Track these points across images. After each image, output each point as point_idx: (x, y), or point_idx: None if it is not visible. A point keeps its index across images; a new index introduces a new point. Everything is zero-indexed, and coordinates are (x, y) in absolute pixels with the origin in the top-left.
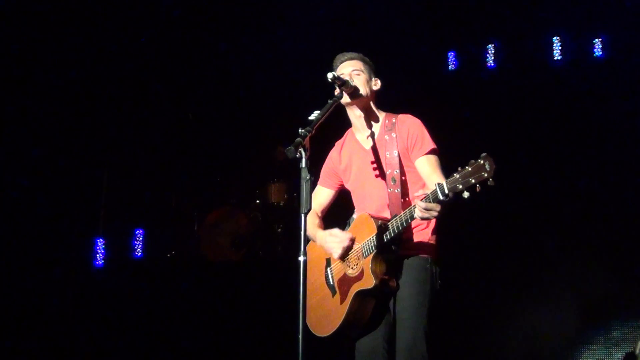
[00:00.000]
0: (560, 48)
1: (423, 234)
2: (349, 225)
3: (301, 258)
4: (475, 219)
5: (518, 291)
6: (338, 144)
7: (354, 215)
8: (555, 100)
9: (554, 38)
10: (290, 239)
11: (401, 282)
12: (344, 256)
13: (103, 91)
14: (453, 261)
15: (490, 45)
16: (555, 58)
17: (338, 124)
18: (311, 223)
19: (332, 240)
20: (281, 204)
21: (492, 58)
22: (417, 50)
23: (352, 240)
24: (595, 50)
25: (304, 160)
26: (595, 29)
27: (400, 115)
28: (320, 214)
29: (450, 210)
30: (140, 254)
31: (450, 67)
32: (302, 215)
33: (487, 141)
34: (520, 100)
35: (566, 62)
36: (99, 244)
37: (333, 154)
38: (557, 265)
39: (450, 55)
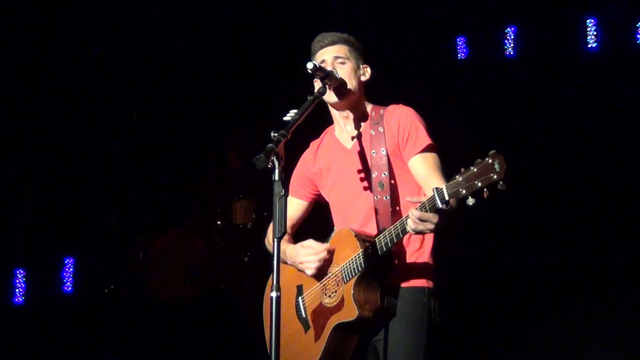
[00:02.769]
0: (595, 33)
1: (417, 256)
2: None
3: (273, 294)
4: (484, 238)
5: (538, 331)
6: (314, 144)
7: (332, 234)
8: (589, 95)
9: (588, 21)
10: (260, 269)
11: (391, 320)
12: (320, 274)
13: (23, 88)
14: (456, 292)
15: (509, 29)
16: (590, 45)
17: (319, 123)
18: None
19: (306, 253)
20: (248, 226)
21: (512, 45)
22: (420, 35)
23: (331, 253)
24: (638, 36)
25: (277, 171)
26: (637, 11)
27: (390, 106)
28: (290, 230)
29: (453, 222)
30: (70, 288)
31: (459, 55)
32: (275, 240)
33: (505, 144)
34: (546, 95)
35: (602, 50)
36: (19, 276)
37: (307, 156)
38: (588, 298)
39: (460, 42)
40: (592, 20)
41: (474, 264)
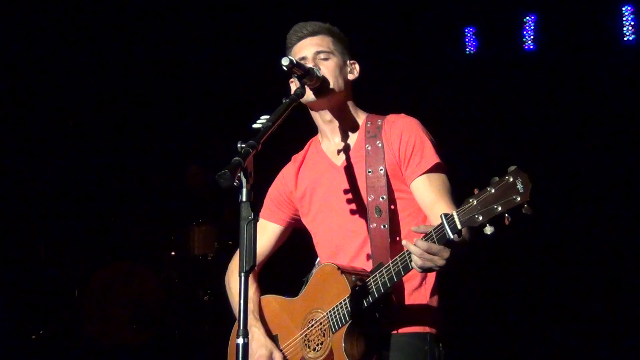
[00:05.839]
0: (633, 23)
1: (418, 296)
2: (306, 284)
3: (240, 340)
4: (497, 272)
5: None
6: (296, 158)
7: (314, 271)
8: (625, 96)
9: (624, 9)
10: (222, 310)
11: None
12: (300, 322)
13: None
14: (464, 338)
15: (527, 17)
16: (627, 38)
17: (302, 130)
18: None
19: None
20: (209, 258)
21: (531, 37)
22: (422, 26)
23: (312, 295)
24: None
25: (244, 190)
26: None
27: (390, 116)
28: (256, 268)
29: (466, 257)
30: None
31: (468, 49)
32: (242, 275)
33: (525, 155)
34: (573, 96)
35: None
36: None
37: (287, 172)
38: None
39: (468, 33)
40: (629, 8)
41: (486, 302)
